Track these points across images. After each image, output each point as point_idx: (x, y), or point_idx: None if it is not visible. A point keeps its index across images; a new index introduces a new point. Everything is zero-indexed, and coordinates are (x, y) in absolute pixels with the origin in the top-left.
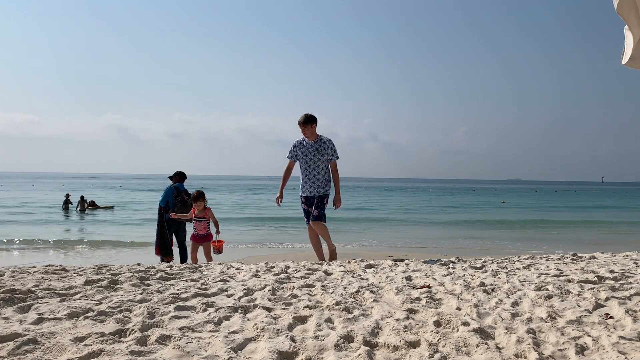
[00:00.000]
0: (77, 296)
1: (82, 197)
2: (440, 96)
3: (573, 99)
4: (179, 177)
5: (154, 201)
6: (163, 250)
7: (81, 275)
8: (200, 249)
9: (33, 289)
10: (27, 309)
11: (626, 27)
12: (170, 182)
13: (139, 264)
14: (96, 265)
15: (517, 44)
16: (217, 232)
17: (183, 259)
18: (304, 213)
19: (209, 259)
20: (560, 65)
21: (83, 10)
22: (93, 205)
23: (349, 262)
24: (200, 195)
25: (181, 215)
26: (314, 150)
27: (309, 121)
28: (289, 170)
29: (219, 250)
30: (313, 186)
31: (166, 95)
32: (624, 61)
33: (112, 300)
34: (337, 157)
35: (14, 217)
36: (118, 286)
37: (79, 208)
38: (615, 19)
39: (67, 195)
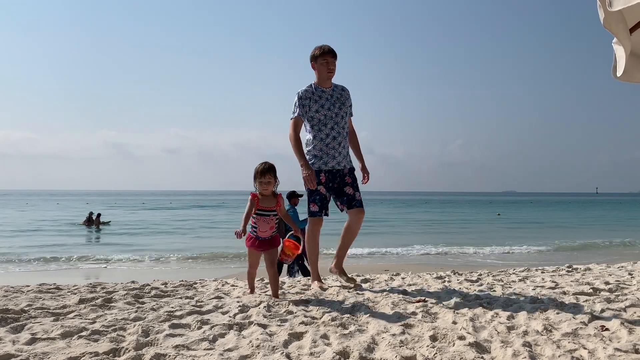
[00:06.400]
0: (71, 315)
1: (98, 215)
2: (436, 108)
3: (566, 109)
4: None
5: (144, 219)
6: None
7: (75, 293)
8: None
9: (26, 308)
10: (20, 329)
11: (615, 40)
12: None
13: (133, 282)
14: (90, 283)
15: (512, 55)
16: (296, 231)
17: None
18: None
19: (274, 272)
20: (554, 77)
21: (78, 27)
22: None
23: None
24: (270, 168)
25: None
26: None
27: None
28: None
29: (294, 259)
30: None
31: (162, 111)
32: (618, 74)
33: (106, 319)
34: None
35: (27, 234)
36: (112, 304)
37: (100, 226)
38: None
39: (91, 213)
